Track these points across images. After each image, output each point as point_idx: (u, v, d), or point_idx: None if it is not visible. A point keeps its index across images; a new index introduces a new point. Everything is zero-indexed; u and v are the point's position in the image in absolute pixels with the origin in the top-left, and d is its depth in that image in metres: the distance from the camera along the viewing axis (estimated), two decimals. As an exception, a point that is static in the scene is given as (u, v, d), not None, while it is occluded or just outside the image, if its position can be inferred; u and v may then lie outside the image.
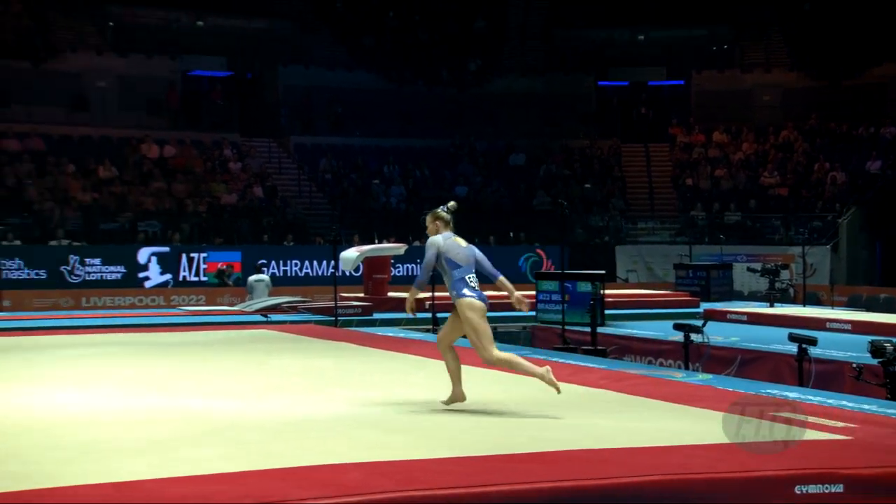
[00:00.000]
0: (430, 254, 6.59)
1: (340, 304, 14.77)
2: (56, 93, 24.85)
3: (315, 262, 21.80)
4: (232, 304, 18.17)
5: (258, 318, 15.13)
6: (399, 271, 21.53)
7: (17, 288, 18.58)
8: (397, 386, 8.08)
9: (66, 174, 22.71)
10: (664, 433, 5.83)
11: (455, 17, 32.27)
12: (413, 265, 22.22)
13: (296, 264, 21.62)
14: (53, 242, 20.37)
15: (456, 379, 6.71)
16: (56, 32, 26.29)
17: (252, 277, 17.81)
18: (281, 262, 21.33)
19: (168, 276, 20.35)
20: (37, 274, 19.26)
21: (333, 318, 14.25)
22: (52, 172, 22.67)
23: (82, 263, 19.62)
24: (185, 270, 20.48)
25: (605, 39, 31.60)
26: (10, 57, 24.66)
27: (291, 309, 15.97)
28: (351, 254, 16.71)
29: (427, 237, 6.74)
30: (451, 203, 6.86)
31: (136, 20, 27.59)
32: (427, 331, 13.46)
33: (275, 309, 15.87)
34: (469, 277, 6.55)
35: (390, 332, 13.12)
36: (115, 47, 26.76)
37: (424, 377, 8.58)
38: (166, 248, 20.62)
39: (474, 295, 6.51)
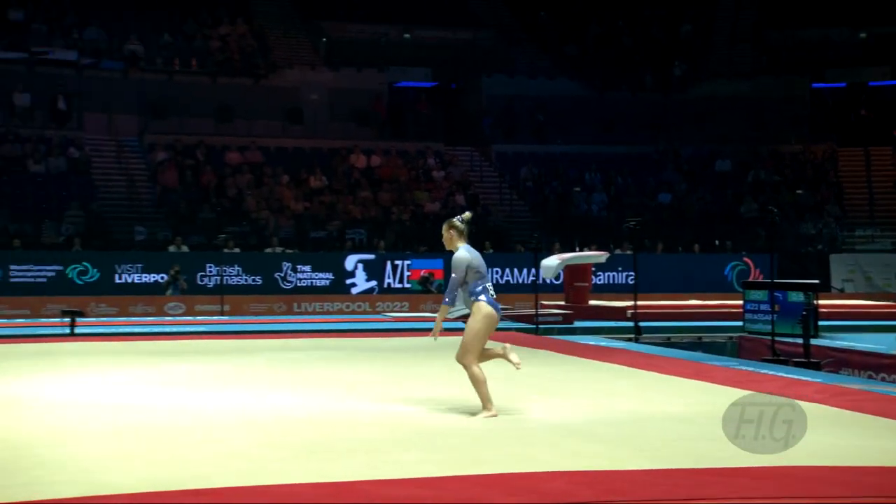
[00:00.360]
0: (461, 272, 6.64)
1: (541, 311, 14.77)
2: (273, 107, 26.20)
3: (515, 270, 21.90)
4: (434, 311, 18.48)
5: (460, 324, 15.32)
6: (600, 279, 21.30)
7: (236, 293, 19.66)
8: (599, 395, 7.99)
9: (281, 184, 23.86)
10: (892, 453, 5.46)
11: (661, 22, 31.69)
12: (614, 273, 21.93)
13: (496, 272, 21.77)
14: (269, 250, 21.42)
15: (495, 355, 6.80)
16: (275, 50, 27.77)
17: None
18: (482, 270, 21.51)
19: (373, 283, 20.96)
20: (253, 280, 20.31)
21: (534, 326, 14.26)
22: (268, 183, 23.88)
23: (294, 270, 20.53)
24: (389, 277, 21.03)
25: (821, 39, 30.11)
26: (235, 75, 26.29)
27: (495, 316, 16.07)
28: (552, 262, 16.69)
29: (444, 245, 6.86)
30: (466, 214, 6.97)
31: (347, 35, 28.73)
32: (629, 340, 13.26)
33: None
34: (489, 286, 6.70)
35: (592, 340, 13.00)
36: (327, 62, 27.97)
37: (626, 386, 8.45)
38: (372, 256, 21.26)
39: (492, 303, 6.65)
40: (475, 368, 6.64)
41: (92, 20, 26.05)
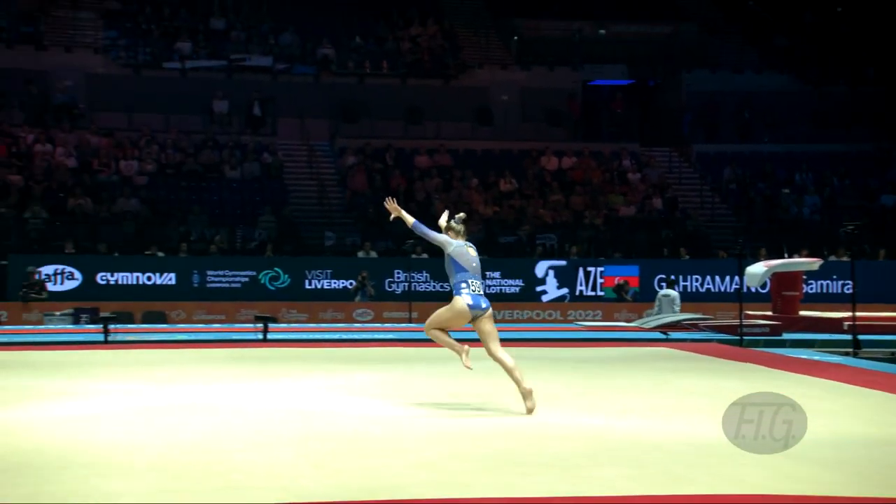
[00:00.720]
0: (441, 236, 7.75)
1: (746, 322, 14.33)
2: (462, 108, 26.59)
3: (717, 278, 21.30)
4: (629, 321, 18.24)
5: (657, 335, 15.08)
6: (812, 288, 20.40)
7: (424, 300, 19.98)
8: (811, 413, 7.62)
9: (470, 188, 24.15)
10: None
11: (886, 7, 30.04)
12: (828, 282, 20.98)
13: (696, 279, 21.26)
14: (457, 255, 21.70)
15: (514, 376, 7.47)
16: (465, 50, 28.20)
17: (661, 292, 17.85)
18: (680, 277, 21.07)
19: (565, 291, 20.87)
20: (441, 287, 20.54)
21: (738, 338, 13.85)
22: (456, 187, 24.23)
23: (483, 276, 20.69)
24: (581, 284, 20.88)
25: None
26: (425, 76, 26.90)
27: (692, 326, 15.74)
28: (758, 269, 16.17)
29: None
30: (461, 214, 8.04)
31: (540, 33, 28.80)
32: (846, 354, 12.64)
33: (674, 326, 15.73)
34: (471, 282, 7.61)
35: (802, 353, 12.49)
36: (518, 60, 28.14)
37: (843, 405, 8.06)
38: (563, 262, 21.17)
39: (469, 299, 7.50)
40: (433, 332, 7.72)
41: (287, 25, 27.26)
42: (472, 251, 7.76)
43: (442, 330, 7.71)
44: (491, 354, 7.58)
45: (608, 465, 5.57)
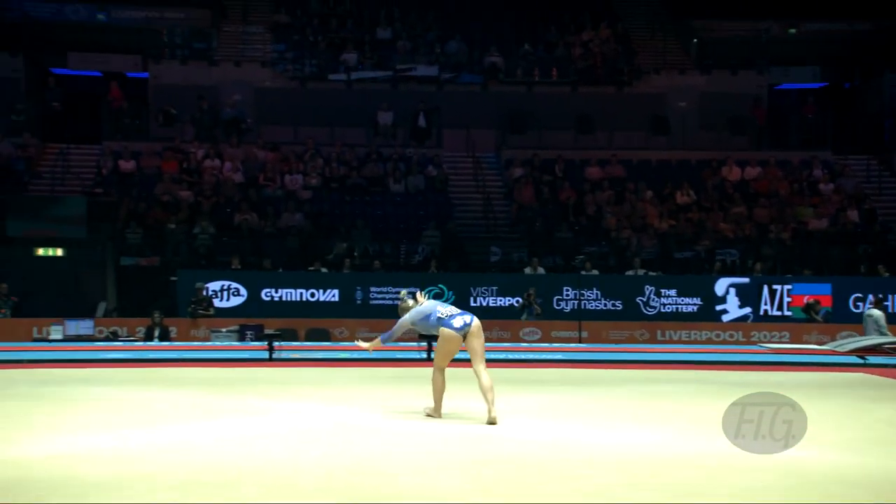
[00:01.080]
0: (400, 322, 8.59)
1: (956, 348, 13.60)
2: (637, 116, 26.28)
3: (931, 297, 20.29)
4: (821, 343, 17.63)
5: (853, 359, 14.50)
6: None
7: (594, 319, 19.84)
8: None
9: (644, 200, 23.83)
10: None
11: None
12: None
13: (899, 298, 20.33)
14: (630, 272, 21.45)
15: (487, 396, 8.28)
16: (640, 55, 27.88)
17: (864, 311, 17.18)
18: (880, 296, 20.16)
19: (747, 310, 20.32)
20: (613, 304, 20.42)
21: (947, 365, 13.17)
22: (630, 199, 23.95)
23: (658, 294, 20.38)
24: (766, 304, 20.31)
25: None
26: (597, 83, 26.76)
27: (894, 351, 15.06)
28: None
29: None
30: (405, 292, 8.79)
31: (722, 34, 28.21)
32: None
33: (873, 350, 15.09)
34: (439, 310, 8.46)
35: None
36: (698, 64, 27.64)
37: None
38: (746, 279, 20.62)
39: (454, 324, 8.33)
40: (436, 376, 8.48)
41: (454, 33, 27.63)
42: (427, 301, 8.66)
43: (443, 382, 8.47)
44: (475, 370, 8.33)
45: (804, 498, 5.39)
